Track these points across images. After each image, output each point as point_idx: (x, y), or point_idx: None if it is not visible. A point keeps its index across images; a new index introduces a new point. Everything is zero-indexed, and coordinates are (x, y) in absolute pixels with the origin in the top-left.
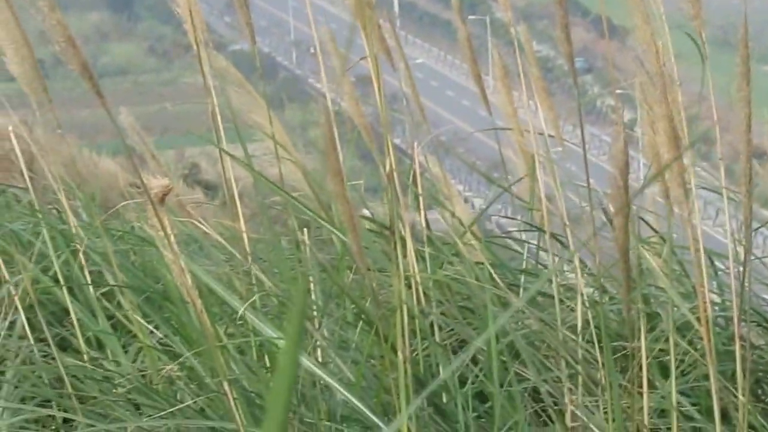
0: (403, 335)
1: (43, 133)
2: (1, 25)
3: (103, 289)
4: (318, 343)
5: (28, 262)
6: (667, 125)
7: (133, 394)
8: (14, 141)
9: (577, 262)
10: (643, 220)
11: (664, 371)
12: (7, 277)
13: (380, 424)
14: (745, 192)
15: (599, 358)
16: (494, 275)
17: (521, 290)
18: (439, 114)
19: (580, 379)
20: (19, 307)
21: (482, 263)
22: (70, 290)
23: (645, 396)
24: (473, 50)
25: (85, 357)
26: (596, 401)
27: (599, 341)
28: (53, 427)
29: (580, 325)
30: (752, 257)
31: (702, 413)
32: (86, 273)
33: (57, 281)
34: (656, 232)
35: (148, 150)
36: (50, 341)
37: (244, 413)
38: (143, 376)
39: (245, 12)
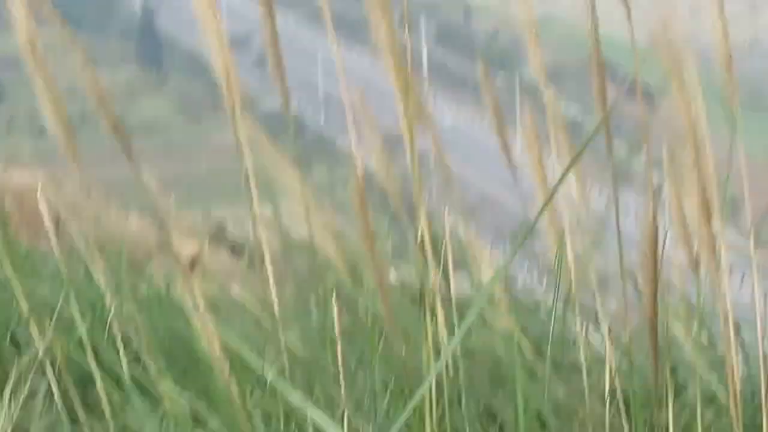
0: (430, 404)
1: (71, 190)
2: (42, 81)
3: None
4: (345, 410)
5: (51, 327)
6: (700, 194)
7: None
8: (42, 202)
9: (605, 332)
10: (672, 285)
11: None
12: (36, 342)
13: None
14: None
15: (625, 428)
16: (522, 344)
17: (548, 357)
18: (467, 175)
19: None
20: (49, 371)
21: (510, 328)
22: (97, 354)
23: None
24: (501, 117)
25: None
26: None
27: (627, 411)
28: None
29: (607, 393)
30: None
31: None
32: (116, 338)
33: (83, 346)
34: (687, 300)
35: (172, 215)
36: (76, 406)
37: None
38: None
39: (282, 77)
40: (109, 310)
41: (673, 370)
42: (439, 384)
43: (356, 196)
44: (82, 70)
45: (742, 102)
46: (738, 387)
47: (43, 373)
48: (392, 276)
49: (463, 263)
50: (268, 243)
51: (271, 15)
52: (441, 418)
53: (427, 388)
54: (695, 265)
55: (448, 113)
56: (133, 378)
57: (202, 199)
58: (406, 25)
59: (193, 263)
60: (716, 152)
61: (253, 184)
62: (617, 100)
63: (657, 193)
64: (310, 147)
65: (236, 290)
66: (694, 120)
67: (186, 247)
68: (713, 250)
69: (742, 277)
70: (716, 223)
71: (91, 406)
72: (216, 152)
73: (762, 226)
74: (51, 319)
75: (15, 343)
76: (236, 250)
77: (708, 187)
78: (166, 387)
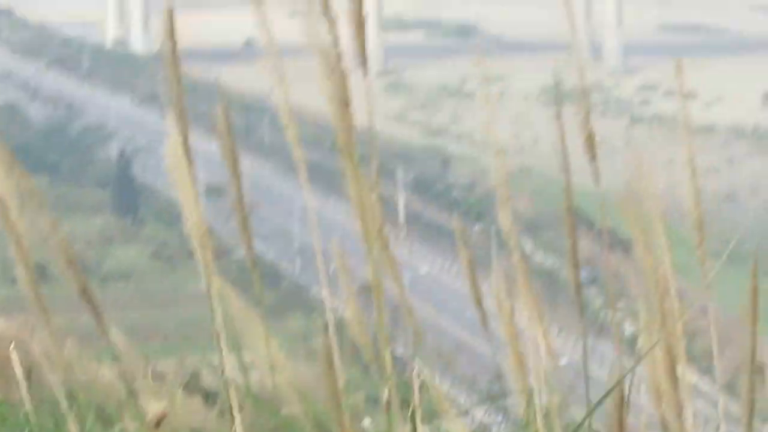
0: None
1: (44, 338)
2: (12, 235)
3: None
4: None
5: None
6: (666, 356)
7: None
8: (14, 355)
9: None
10: None
11: None
12: None
13: None
14: (745, 417)
15: None
16: None
17: None
18: (442, 324)
19: None
20: None
21: None
22: None
23: None
24: (475, 273)
25: None
26: None
27: None
28: None
29: None
30: None
31: None
32: None
33: None
34: None
35: (142, 369)
36: None
37: None
38: None
39: (247, 234)
40: None
41: None
42: None
43: (323, 358)
44: (51, 230)
45: (718, 254)
46: None
47: None
48: (367, 423)
49: (433, 415)
50: (238, 396)
51: (236, 169)
52: None
53: None
54: (665, 425)
55: (424, 261)
56: None
57: (177, 346)
58: (377, 177)
59: (159, 421)
60: (692, 303)
61: (222, 338)
62: (592, 251)
63: (631, 345)
64: (285, 295)
65: None
66: (662, 276)
67: (153, 404)
68: (678, 408)
69: (717, 428)
70: (682, 378)
71: None
72: (191, 300)
73: (735, 377)
74: None
75: None
76: (210, 397)
77: (675, 341)
78: None
